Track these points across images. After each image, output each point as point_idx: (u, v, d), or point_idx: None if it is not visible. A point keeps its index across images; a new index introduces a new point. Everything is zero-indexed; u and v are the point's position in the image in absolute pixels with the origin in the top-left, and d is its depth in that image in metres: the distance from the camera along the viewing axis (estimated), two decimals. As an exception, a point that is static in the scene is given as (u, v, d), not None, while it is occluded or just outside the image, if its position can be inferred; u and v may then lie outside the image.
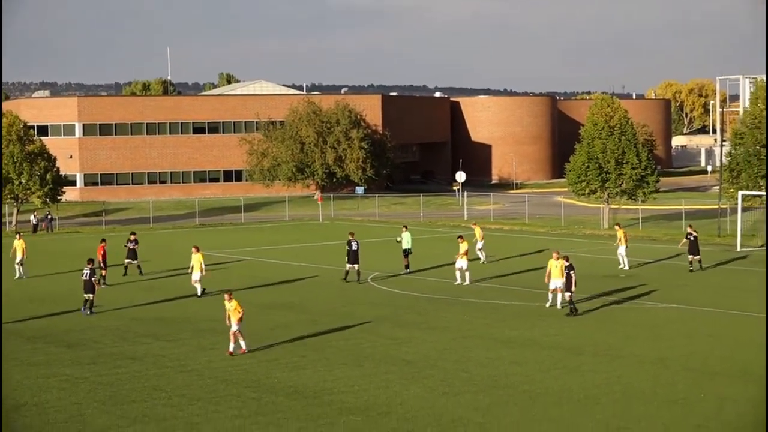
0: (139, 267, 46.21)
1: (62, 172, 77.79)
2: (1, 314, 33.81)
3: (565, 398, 23.28)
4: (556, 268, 34.89)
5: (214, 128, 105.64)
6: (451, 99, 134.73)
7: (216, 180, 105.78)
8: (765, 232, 57.04)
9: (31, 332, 32.30)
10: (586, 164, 66.71)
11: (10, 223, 73.14)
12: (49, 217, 72.51)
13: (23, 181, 72.19)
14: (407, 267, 46.06)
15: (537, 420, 21.62)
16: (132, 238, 46.67)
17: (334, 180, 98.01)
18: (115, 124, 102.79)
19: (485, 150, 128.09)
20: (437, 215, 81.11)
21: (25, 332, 32.27)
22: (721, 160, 65.93)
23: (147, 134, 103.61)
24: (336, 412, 22.32)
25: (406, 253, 46.14)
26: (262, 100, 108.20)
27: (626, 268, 45.86)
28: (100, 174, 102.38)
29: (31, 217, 71.94)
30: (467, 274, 41.69)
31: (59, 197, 75.29)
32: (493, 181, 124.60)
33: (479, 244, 49.25)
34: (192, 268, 39.38)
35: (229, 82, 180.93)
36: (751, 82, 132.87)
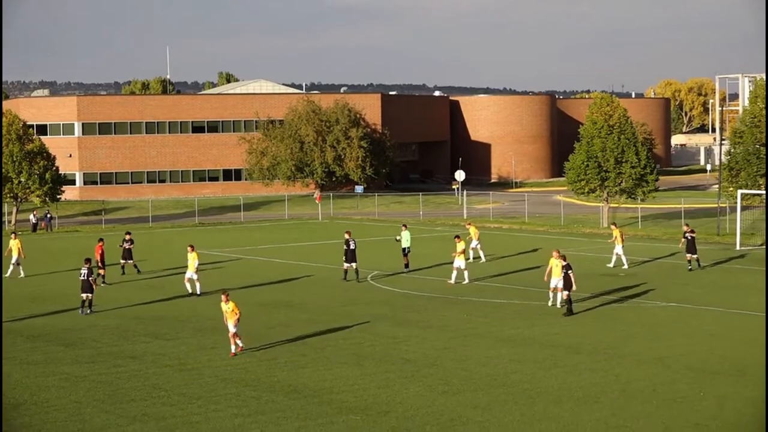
0: (135, 266, 46.21)
1: (61, 171, 77.77)
2: (0, 313, 33.79)
3: (565, 397, 23.29)
4: (557, 267, 34.90)
5: (213, 127, 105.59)
6: (451, 98, 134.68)
7: (215, 179, 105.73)
8: (765, 231, 57.07)
9: (31, 331, 32.29)
10: (585, 163, 66.72)
11: (9, 222, 73.14)
12: (48, 216, 72.51)
13: (22, 180, 72.17)
14: (407, 266, 46.07)
15: (536, 418, 21.62)
16: (127, 237, 46.66)
17: (334, 179, 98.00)
18: (115, 123, 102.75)
19: (484, 149, 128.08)
20: (436, 214, 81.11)
21: (25, 331, 32.26)
22: (720, 159, 65.93)
23: (146, 133, 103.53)
24: (335, 411, 22.32)
25: (406, 251, 46.16)
26: (262, 99, 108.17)
27: (626, 266, 45.90)
28: (100, 173, 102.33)
29: (31, 216, 71.93)
30: (466, 273, 41.70)
31: (58, 196, 75.25)
32: (493, 180, 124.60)
33: (473, 243, 49.29)
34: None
35: (229, 81, 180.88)
36: (750, 81, 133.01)
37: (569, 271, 34.09)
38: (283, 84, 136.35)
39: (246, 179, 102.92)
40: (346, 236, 43.29)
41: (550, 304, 35.58)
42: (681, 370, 25.87)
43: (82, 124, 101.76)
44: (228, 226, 74.59)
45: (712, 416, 21.66)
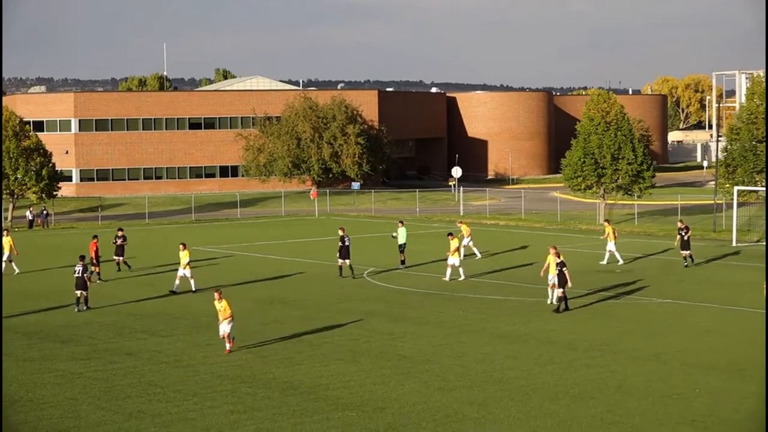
0: (125, 262, 46.17)
1: (58, 168, 77.64)
2: (1, 311, 33.81)
3: (561, 393, 23.30)
4: (554, 264, 34.87)
5: (210, 124, 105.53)
6: (448, 94, 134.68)
7: (212, 175, 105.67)
8: (765, 227, 57.17)
9: (26, 328, 32.26)
10: (582, 160, 66.73)
11: (5, 218, 73.04)
12: (44, 212, 72.45)
13: (19, 176, 72.09)
14: (403, 262, 46.08)
15: (532, 415, 21.64)
16: (120, 234, 46.62)
17: (330, 175, 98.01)
18: (111, 119, 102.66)
19: (481, 145, 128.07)
20: (433, 211, 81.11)
21: (20, 328, 32.22)
22: (717, 156, 65.98)
23: (143, 130, 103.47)
24: (331, 408, 22.32)
25: (402, 248, 46.17)
26: (258, 95, 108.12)
27: (621, 263, 45.95)
28: (96, 170, 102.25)
29: (27, 213, 71.86)
30: (461, 269, 41.72)
31: (55, 193, 75.16)
32: (489, 177, 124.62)
33: (465, 241, 49.29)
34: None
35: (226, 78, 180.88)
36: (747, 78, 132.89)
37: (564, 269, 34.07)
38: (280, 80, 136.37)
39: (243, 176, 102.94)
40: (341, 233, 43.34)
41: (549, 301, 35.54)
42: (677, 366, 25.90)
43: (79, 120, 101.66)
44: (224, 222, 74.56)
45: (707, 412, 21.69)
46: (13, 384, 24.72)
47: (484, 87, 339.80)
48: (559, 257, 34.48)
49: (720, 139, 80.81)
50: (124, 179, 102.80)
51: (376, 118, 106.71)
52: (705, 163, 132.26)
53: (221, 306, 28.14)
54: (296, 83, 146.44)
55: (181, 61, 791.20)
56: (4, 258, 45.28)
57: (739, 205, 58.19)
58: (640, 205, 73.00)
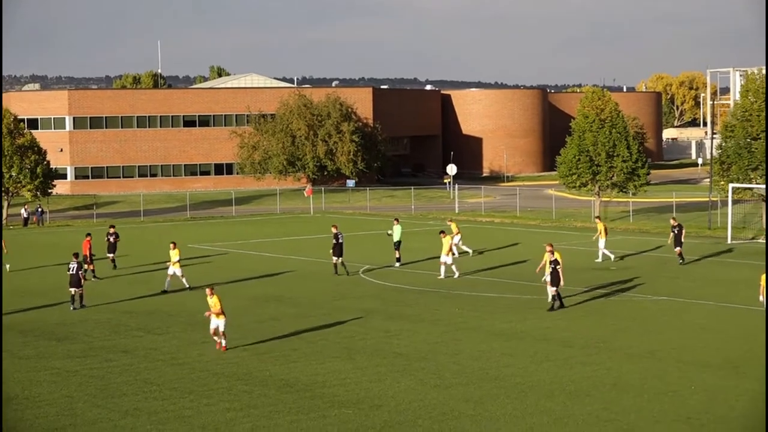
0: (113, 260, 46.11)
1: (53, 166, 77.61)
2: (1, 309, 33.76)
3: (557, 390, 23.33)
4: (549, 261, 34.85)
5: (204, 121, 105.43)
6: (442, 92, 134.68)
7: (207, 173, 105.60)
8: (765, 224, 57.31)
9: (22, 325, 32.23)
10: (576, 157, 66.77)
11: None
12: (39, 210, 72.36)
13: (14, 174, 72.00)
14: (398, 260, 46.10)
15: (528, 412, 21.66)
16: (111, 231, 46.56)
17: (325, 173, 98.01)
18: (106, 117, 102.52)
19: (476, 143, 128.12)
20: (428, 208, 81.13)
21: (16, 325, 32.19)
22: (711, 153, 66.05)
23: (138, 127, 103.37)
24: (328, 405, 22.33)
25: (397, 245, 46.18)
26: (253, 93, 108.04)
27: (612, 259, 46.07)
28: (91, 167, 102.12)
29: (22, 211, 71.78)
30: (454, 267, 41.73)
31: (50, 191, 75.11)
32: (484, 174, 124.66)
33: (456, 239, 49.26)
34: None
35: (220, 75, 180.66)
36: (741, 75, 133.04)
37: (557, 267, 34.05)
38: (275, 78, 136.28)
39: (237, 173, 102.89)
40: (334, 230, 43.36)
41: (549, 299, 35.48)
42: (672, 363, 25.94)
43: (74, 118, 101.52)
44: (219, 220, 74.52)
45: (703, 410, 21.72)
46: (8, 382, 24.68)
47: (479, 84, 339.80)
48: (553, 255, 34.44)
49: (714, 136, 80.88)
50: (119, 177, 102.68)
51: (370, 116, 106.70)
52: (700, 161, 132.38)
53: (212, 302, 28.19)
54: (291, 81, 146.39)
55: (176, 59, 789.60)
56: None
57: (734, 202, 58.30)
58: (635, 203, 73.10)
